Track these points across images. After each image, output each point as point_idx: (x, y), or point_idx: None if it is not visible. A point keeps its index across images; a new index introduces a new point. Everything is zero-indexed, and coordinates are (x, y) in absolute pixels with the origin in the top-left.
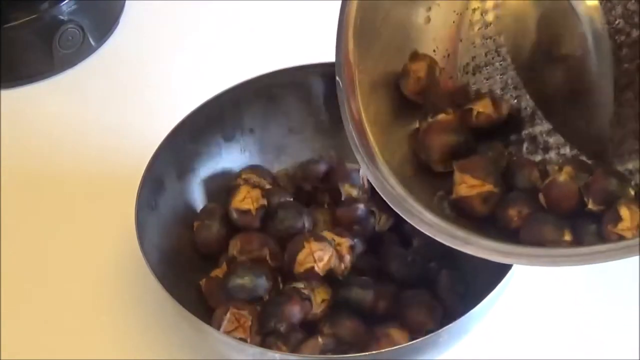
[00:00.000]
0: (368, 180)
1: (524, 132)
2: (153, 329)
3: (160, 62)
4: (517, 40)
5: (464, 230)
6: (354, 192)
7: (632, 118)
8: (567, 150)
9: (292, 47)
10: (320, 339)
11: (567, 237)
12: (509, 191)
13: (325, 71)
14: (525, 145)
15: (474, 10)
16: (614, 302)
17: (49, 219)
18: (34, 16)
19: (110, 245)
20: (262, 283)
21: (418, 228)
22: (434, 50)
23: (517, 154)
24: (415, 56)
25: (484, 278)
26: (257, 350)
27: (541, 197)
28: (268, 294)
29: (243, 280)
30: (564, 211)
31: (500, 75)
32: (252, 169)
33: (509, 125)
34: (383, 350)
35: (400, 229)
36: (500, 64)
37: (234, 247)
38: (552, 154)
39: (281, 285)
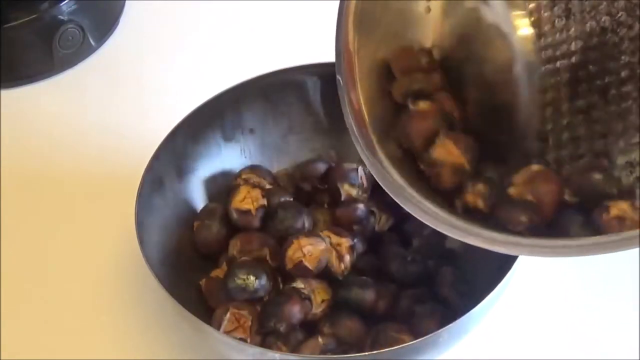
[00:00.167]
0: (367, 180)
1: None
2: (153, 329)
3: (160, 62)
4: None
5: (465, 220)
6: (354, 192)
7: (633, 111)
8: (566, 142)
9: (291, 47)
10: (320, 339)
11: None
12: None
13: (325, 71)
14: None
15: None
16: (614, 302)
17: (49, 219)
18: (34, 16)
19: (110, 245)
20: (262, 283)
21: (418, 218)
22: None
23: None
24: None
25: (484, 278)
26: (257, 350)
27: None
28: (268, 294)
29: (243, 281)
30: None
31: None
32: (252, 169)
33: None
34: (383, 350)
35: (400, 229)
36: None
37: (234, 247)
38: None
39: (281, 285)
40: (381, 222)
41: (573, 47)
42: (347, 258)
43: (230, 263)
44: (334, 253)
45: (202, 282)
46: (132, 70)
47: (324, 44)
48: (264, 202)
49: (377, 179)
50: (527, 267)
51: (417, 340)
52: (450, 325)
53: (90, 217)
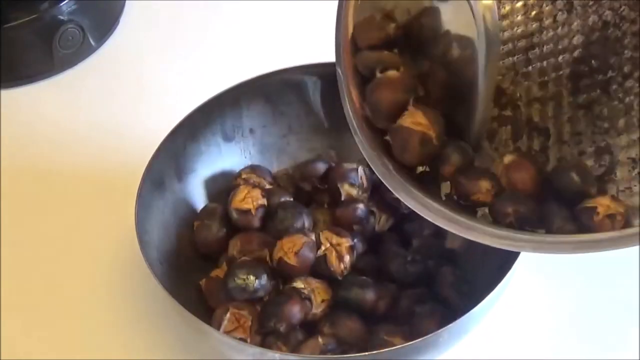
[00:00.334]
0: (367, 180)
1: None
2: (153, 329)
3: (160, 62)
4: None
5: (467, 216)
6: (354, 192)
7: (635, 106)
8: (568, 137)
9: (291, 47)
10: (320, 339)
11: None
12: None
13: (325, 71)
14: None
15: None
16: (614, 302)
17: (49, 219)
18: (34, 16)
19: (110, 245)
20: (262, 283)
21: (418, 212)
22: None
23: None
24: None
25: (484, 278)
26: (257, 350)
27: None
28: (268, 294)
29: (243, 281)
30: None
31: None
32: (252, 169)
33: None
34: (383, 350)
35: (400, 229)
36: (502, 49)
37: (234, 247)
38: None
39: (281, 286)
40: (381, 222)
41: (575, 41)
42: (347, 258)
43: (230, 263)
44: (334, 253)
45: (202, 282)
46: (132, 70)
47: (324, 44)
48: (264, 201)
49: (376, 174)
50: (527, 267)
51: (417, 340)
52: (450, 325)
53: (90, 217)
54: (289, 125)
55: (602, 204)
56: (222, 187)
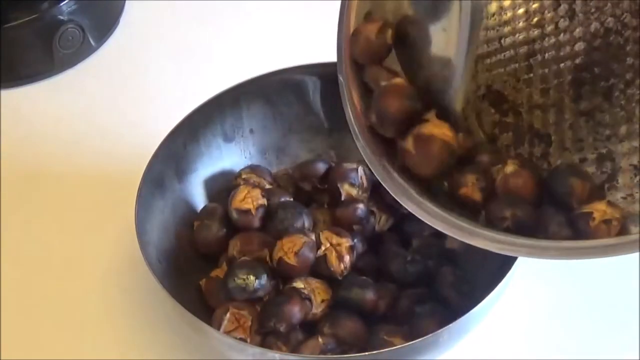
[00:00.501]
0: (367, 180)
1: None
2: (153, 329)
3: (160, 62)
4: None
5: (469, 222)
6: (354, 192)
7: (637, 113)
8: (570, 144)
9: (291, 47)
10: (320, 339)
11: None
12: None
13: (325, 71)
14: (527, 138)
15: None
16: (614, 302)
17: (49, 219)
18: (34, 16)
19: (110, 245)
20: (262, 283)
21: (420, 217)
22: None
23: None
24: (368, 17)
25: (484, 278)
26: (257, 350)
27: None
28: (268, 294)
29: (243, 281)
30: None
31: (503, 66)
32: (252, 169)
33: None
34: (383, 350)
35: (400, 229)
36: (503, 55)
37: (234, 247)
38: (554, 147)
39: (281, 286)
40: (381, 222)
41: (577, 48)
42: (347, 258)
43: (230, 263)
44: (333, 253)
45: (202, 282)
46: (132, 71)
47: (324, 44)
48: (264, 201)
49: (378, 179)
50: (527, 267)
51: (417, 340)
52: (450, 325)
53: (91, 218)
54: (289, 125)
55: (598, 209)
56: (222, 187)
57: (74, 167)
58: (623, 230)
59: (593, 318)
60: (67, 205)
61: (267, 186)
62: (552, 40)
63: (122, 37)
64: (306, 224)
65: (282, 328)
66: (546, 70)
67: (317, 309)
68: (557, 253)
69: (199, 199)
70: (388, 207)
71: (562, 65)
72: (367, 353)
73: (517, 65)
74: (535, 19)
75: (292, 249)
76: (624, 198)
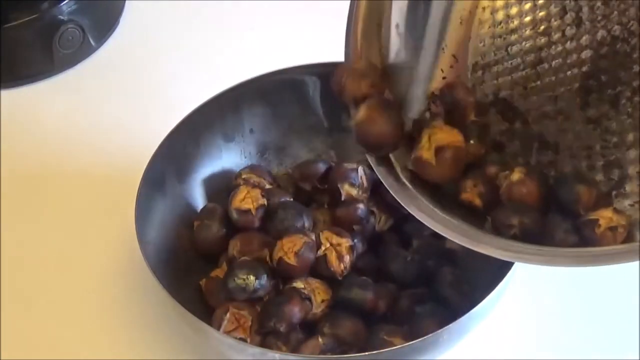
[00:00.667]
0: (367, 180)
1: (534, 132)
2: (153, 329)
3: (160, 62)
4: None
5: (475, 228)
6: (354, 192)
7: None
8: (578, 151)
9: (291, 47)
10: (320, 339)
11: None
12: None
13: (325, 71)
14: (535, 146)
15: (484, 8)
16: (614, 302)
17: (49, 219)
18: (34, 16)
19: (110, 245)
20: (262, 283)
21: (428, 225)
22: (443, 48)
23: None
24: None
25: (484, 278)
26: (257, 350)
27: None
28: (268, 294)
29: (243, 281)
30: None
31: (510, 74)
32: (252, 169)
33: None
34: (383, 350)
35: (400, 229)
36: (510, 63)
37: (234, 247)
38: (562, 155)
39: (281, 285)
40: (381, 222)
41: (584, 56)
42: (347, 258)
43: (230, 263)
44: (333, 253)
45: (202, 282)
46: (132, 70)
47: (323, 44)
48: (264, 201)
49: (385, 185)
50: (527, 267)
51: (417, 340)
52: (450, 325)
53: (90, 217)
54: (289, 125)
55: (604, 217)
56: (222, 187)
57: (74, 167)
58: (629, 238)
59: (593, 318)
60: (67, 205)
61: (267, 186)
62: (559, 48)
63: (122, 37)
64: (306, 224)
65: (282, 328)
66: (553, 78)
67: (317, 309)
68: (566, 261)
69: (199, 199)
70: (388, 207)
71: (569, 73)
72: (367, 353)
73: (524, 73)
74: (542, 27)
75: (292, 249)
76: (632, 205)
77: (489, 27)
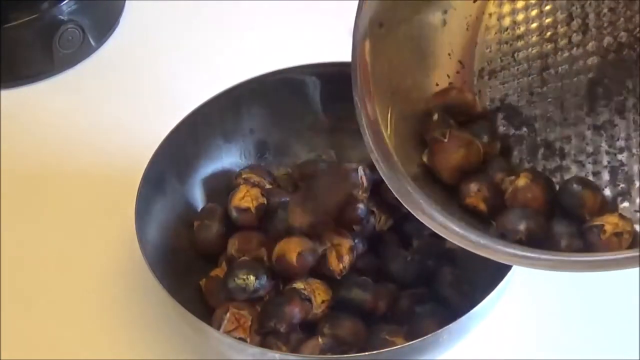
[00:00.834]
0: (367, 180)
1: (539, 138)
2: (153, 329)
3: (160, 62)
4: None
5: (484, 234)
6: (354, 192)
7: None
8: (584, 157)
9: (291, 47)
10: (320, 339)
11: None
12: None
13: (325, 71)
14: (540, 151)
15: (490, 15)
16: (614, 302)
17: (49, 219)
18: (34, 16)
19: (110, 245)
20: (262, 283)
21: (434, 230)
22: (449, 54)
23: (532, 160)
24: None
25: (485, 278)
26: (257, 350)
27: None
28: (268, 294)
29: (243, 281)
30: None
31: (517, 80)
32: (252, 169)
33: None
34: (383, 350)
35: (400, 229)
36: (517, 69)
37: (232, 245)
38: (568, 161)
39: (281, 285)
40: (381, 222)
41: (590, 62)
42: (347, 258)
43: (229, 262)
44: (333, 253)
45: (202, 281)
46: (132, 70)
47: (323, 44)
48: (264, 200)
49: (392, 190)
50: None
51: (417, 340)
52: (450, 325)
53: (90, 217)
54: (289, 125)
55: (610, 222)
56: (222, 187)
57: (74, 167)
58: (634, 244)
59: (593, 318)
60: (67, 205)
61: (267, 186)
62: (566, 54)
63: (122, 37)
64: None
65: (282, 329)
66: (559, 84)
67: (317, 309)
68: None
69: (199, 199)
70: (388, 207)
71: (575, 79)
72: (367, 353)
73: (530, 79)
74: (549, 33)
75: (292, 249)
76: (637, 211)
77: (496, 33)
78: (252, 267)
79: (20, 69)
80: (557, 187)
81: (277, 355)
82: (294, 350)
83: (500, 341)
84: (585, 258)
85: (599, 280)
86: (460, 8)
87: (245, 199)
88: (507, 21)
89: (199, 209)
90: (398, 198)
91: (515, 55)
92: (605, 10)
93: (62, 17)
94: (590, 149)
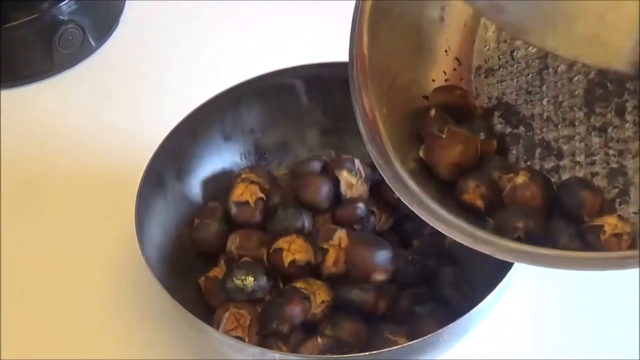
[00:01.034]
0: (364, 170)
1: (537, 138)
2: (153, 329)
3: (160, 62)
4: None
5: (482, 230)
6: (354, 180)
7: None
8: (582, 158)
9: (291, 47)
10: (319, 340)
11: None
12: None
13: (325, 71)
14: (538, 151)
15: None
16: (614, 302)
17: (49, 219)
18: (34, 16)
19: (110, 245)
20: (261, 284)
21: (434, 226)
22: (446, 51)
23: (529, 159)
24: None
25: (485, 278)
26: (256, 350)
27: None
28: (267, 294)
29: (241, 281)
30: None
31: (515, 78)
32: (252, 168)
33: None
34: (383, 350)
35: (400, 229)
36: (515, 68)
37: (233, 242)
38: (565, 161)
39: (281, 285)
40: (381, 222)
41: None
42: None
43: (228, 259)
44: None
45: (201, 280)
46: (132, 70)
47: (323, 44)
48: (262, 195)
49: (391, 186)
50: (527, 267)
51: (417, 340)
52: (450, 325)
53: (90, 217)
54: (288, 125)
55: (609, 223)
56: (222, 186)
57: (74, 167)
58: (633, 245)
59: (593, 318)
60: (67, 205)
61: (267, 186)
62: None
63: (122, 37)
64: (306, 224)
65: (284, 330)
66: (558, 84)
67: (317, 309)
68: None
69: (199, 199)
70: (388, 206)
71: (574, 79)
72: (367, 353)
73: (528, 78)
74: None
75: (290, 248)
76: (636, 213)
77: (494, 31)
78: (250, 268)
79: (20, 69)
80: (556, 186)
81: (277, 355)
82: (294, 350)
83: (500, 341)
84: (586, 255)
85: (599, 280)
86: (458, 5)
87: (244, 194)
88: None
89: (199, 209)
90: (394, 190)
91: (514, 53)
92: None
93: (62, 17)
94: (588, 150)
